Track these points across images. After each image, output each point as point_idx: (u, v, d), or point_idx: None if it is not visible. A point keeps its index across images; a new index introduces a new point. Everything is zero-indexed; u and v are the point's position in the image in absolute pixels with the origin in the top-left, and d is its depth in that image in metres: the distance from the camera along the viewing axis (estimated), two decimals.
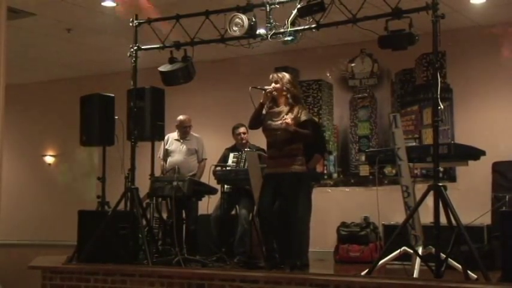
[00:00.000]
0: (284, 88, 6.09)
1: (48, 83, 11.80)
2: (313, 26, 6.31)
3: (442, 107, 5.55)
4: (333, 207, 9.03)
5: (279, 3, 6.39)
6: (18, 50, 9.34)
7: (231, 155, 7.75)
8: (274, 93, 6.12)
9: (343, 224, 8.68)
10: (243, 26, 6.42)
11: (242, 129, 7.77)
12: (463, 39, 8.57)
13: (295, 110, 6.03)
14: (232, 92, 9.73)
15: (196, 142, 8.37)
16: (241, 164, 7.55)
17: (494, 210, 7.05)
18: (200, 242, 7.73)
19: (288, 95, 6.10)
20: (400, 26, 5.86)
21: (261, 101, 6.11)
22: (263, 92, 6.12)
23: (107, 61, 10.33)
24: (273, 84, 6.13)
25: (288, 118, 5.93)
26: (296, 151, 6.03)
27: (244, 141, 7.76)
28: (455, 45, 8.33)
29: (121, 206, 6.91)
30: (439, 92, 5.52)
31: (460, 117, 8.64)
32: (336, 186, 9.40)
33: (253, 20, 6.46)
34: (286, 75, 6.19)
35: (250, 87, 6.07)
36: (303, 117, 6.02)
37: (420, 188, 5.72)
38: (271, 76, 6.21)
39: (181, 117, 8.32)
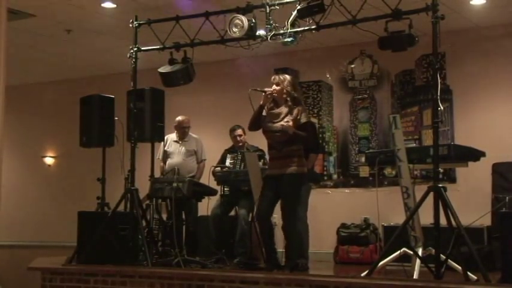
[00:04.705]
0: (285, 90, 6.09)
1: (48, 84, 11.78)
2: (313, 27, 6.31)
3: (442, 108, 5.55)
4: (332, 208, 9.02)
5: (278, 4, 6.40)
6: (18, 51, 9.33)
7: (228, 156, 7.77)
8: (275, 95, 6.12)
9: (343, 225, 8.66)
10: (242, 27, 6.42)
11: (239, 131, 7.78)
12: (463, 40, 8.57)
13: (295, 111, 6.03)
14: (232, 93, 9.72)
15: (195, 143, 8.36)
16: (238, 165, 7.56)
17: (494, 211, 7.04)
18: (200, 243, 7.72)
19: (288, 98, 6.10)
20: (399, 27, 5.87)
21: (261, 103, 6.11)
22: (263, 93, 6.12)
23: (106, 62, 10.31)
24: (274, 86, 6.13)
25: (289, 120, 5.94)
26: (296, 152, 6.03)
27: (240, 144, 7.77)
28: (454, 46, 8.33)
29: (121, 207, 6.92)
30: (439, 93, 5.52)
31: (460, 118, 8.63)
32: (335, 188, 9.38)
33: (253, 21, 6.47)
34: (288, 77, 6.19)
35: (249, 89, 6.07)
36: (303, 119, 6.03)
37: (420, 189, 5.71)
38: (272, 78, 6.21)
39: (180, 118, 8.30)
